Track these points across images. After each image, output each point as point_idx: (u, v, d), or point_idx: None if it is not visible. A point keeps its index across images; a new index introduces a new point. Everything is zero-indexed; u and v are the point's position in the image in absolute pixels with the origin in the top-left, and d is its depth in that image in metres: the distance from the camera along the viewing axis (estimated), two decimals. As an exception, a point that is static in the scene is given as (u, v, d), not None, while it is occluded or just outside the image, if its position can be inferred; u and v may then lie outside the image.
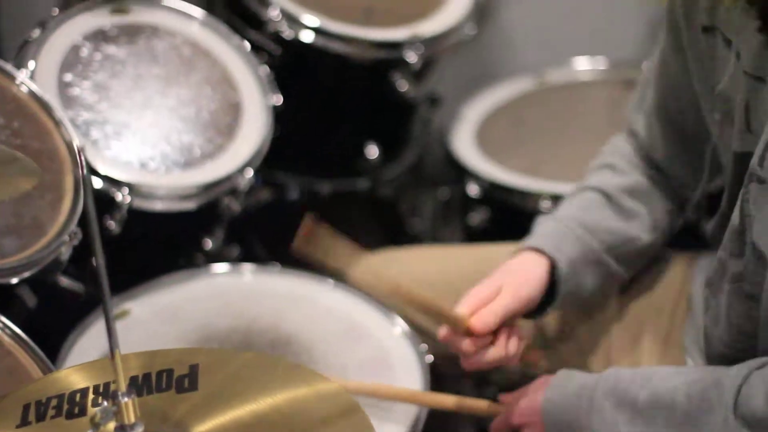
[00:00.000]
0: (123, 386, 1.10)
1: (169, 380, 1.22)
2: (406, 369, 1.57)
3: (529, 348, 1.56)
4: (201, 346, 1.61)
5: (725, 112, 1.37)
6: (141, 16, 1.93)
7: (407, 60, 2.17)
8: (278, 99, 1.97)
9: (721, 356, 1.39)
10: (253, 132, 1.91)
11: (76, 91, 1.80)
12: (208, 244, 1.95)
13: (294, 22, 2.12)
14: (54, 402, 1.21)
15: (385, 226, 2.52)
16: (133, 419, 1.10)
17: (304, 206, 2.30)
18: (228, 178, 1.84)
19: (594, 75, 2.50)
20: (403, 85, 2.21)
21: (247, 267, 1.78)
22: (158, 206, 1.78)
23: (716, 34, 1.36)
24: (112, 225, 1.73)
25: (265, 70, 1.98)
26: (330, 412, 1.19)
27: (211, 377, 1.23)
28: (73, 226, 1.58)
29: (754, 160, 1.28)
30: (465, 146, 2.28)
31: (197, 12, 1.98)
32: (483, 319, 1.45)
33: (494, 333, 1.48)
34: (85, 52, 1.84)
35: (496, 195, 2.13)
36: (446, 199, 2.41)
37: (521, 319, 1.52)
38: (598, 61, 2.51)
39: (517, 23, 2.76)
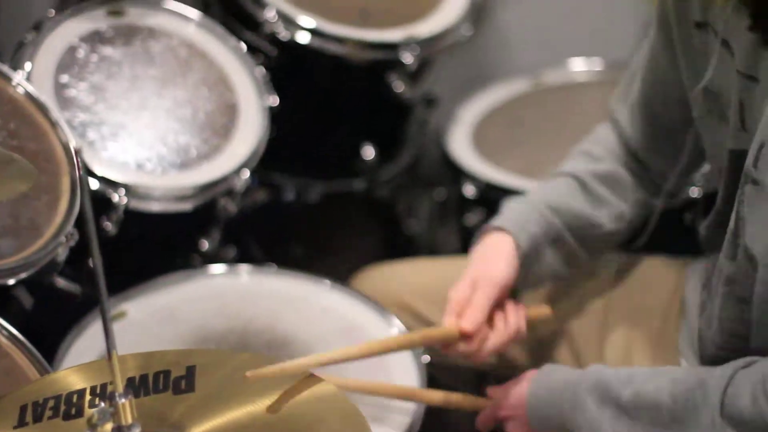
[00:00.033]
0: (120, 387, 1.10)
1: (166, 381, 1.23)
2: (402, 369, 1.57)
3: (531, 308, 1.59)
4: (198, 347, 1.61)
5: (716, 109, 1.38)
6: (137, 17, 1.93)
7: (403, 61, 2.17)
8: (274, 100, 1.97)
9: (714, 358, 1.39)
10: (249, 133, 1.90)
11: (72, 92, 1.80)
12: (205, 245, 1.95)
13: (290, 23, 2.11)
14: (51, 403, 1.21)
15: (381, 227, 2.52)
16: (130, 420, 1.10)
17: (300, 207, 2.30)
18: (224, 179, 1.84)
19: (590, 76, 2.50)
20: (399, 86, 2.21)
21: (244, 268, 1.78)
22: (155, 207, 1.78)
23: (709, 30, 1.37)
24: (109, 226, 1.73)
25: (261, 71, 1.98)
26: (326, 412, 1.19)
27: (208, 378, 1.23)
28: (70, 227, 1.58)
29: (749, 161, 1.28)
30: (461, 147, 2.28)
31: (193, 13, 1.99)
32: (471, 319, 1.49)
33: (489, 321, 1.51)
34: (81, 53, 1.84)
35: (492, 196, 2.13)
36: (442, 199, 2.41)
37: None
38: (594, 63, 2.51)
39: (514, 24, 2.76)
